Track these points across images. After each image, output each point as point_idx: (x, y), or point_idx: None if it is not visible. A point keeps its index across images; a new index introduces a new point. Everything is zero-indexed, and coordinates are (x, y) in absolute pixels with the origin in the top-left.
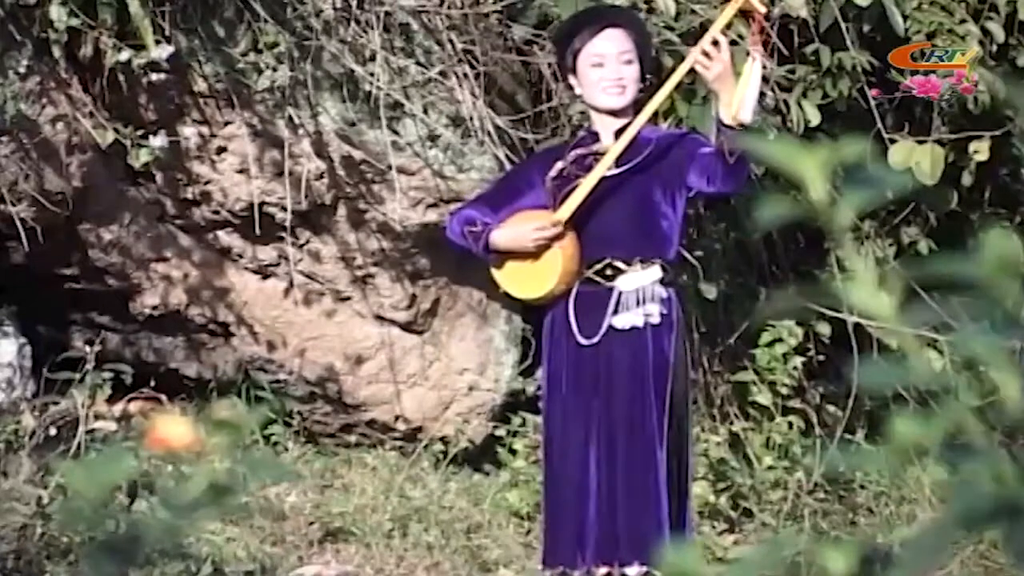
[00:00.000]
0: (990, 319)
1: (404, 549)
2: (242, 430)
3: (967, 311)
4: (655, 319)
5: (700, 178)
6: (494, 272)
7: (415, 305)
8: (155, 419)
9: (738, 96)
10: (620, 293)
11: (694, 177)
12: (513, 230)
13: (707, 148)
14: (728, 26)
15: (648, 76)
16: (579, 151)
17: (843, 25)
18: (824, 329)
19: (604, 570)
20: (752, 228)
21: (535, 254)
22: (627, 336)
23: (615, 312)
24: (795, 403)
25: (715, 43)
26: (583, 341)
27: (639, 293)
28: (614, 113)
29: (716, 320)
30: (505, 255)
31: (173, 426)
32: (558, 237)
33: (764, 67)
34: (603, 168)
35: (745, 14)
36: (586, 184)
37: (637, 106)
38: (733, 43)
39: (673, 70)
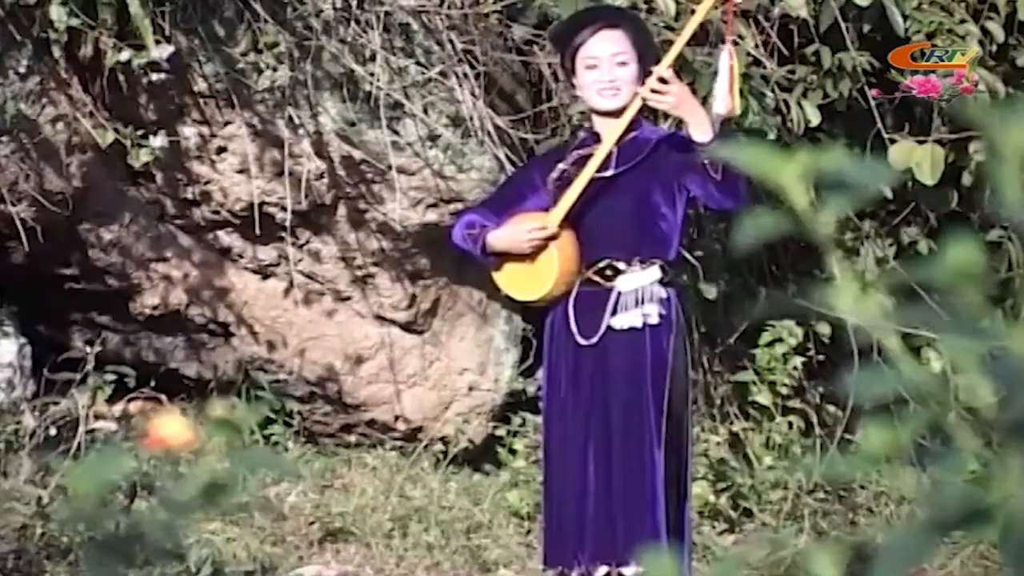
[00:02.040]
0: (959, 324)
1: (404, 549)
2: (240, 429)
3: (962, 312)
4: (653, 320)
5: (699, 191)
6: (493, 275)
7: (415, 305)
8: (153, 419)
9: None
10: (619, 293)
11: (696, 188)
12: (508, 232)
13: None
14: (705, 39)
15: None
16: (580, 152)
17: (843, 25)
18: (824, 329)
19: (603, 570)
20: (743, 241)
21: (532, 256)
22: (625, 336)
23: (614, 312)
24: (795, 403)
25: (662, 80)
26: (582, 341)
27: (638, 293)
28: (612, 114)
29: (716, 320)
30: (503, 257)
31: (171, 425)
32: (554, 238)
33: (760, 64)
34: (592, 169)
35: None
36: (577, 185)
37: (645, 106)
38: (733, 43)
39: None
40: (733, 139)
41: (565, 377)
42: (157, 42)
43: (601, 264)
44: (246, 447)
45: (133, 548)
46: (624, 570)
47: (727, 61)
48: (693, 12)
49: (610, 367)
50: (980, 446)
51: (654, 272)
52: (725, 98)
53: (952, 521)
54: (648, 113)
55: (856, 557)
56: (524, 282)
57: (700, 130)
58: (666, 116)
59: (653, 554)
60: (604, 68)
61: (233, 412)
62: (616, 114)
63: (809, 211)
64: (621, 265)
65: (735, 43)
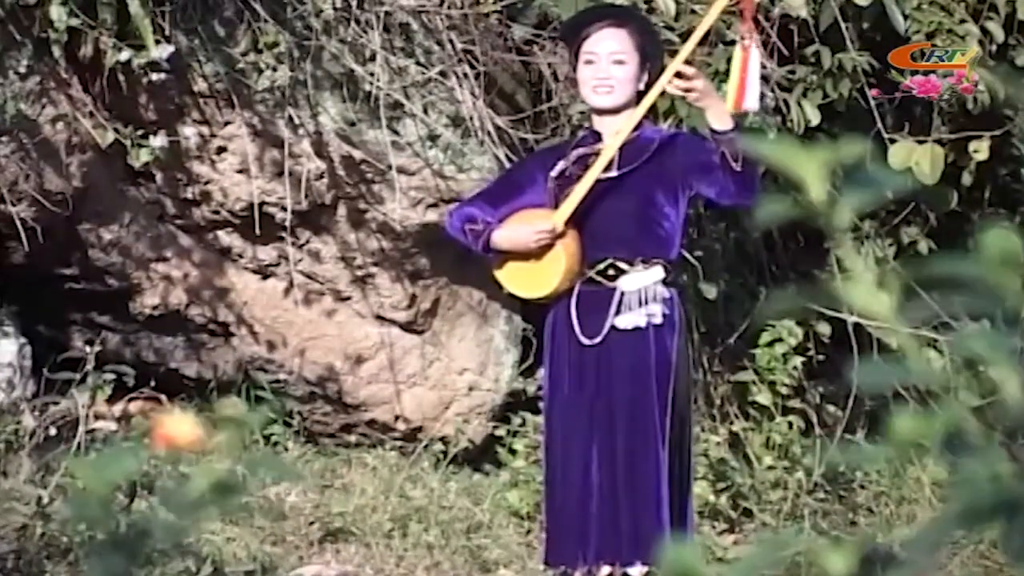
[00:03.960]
0: (990, 318)
1: (404, 549)
2: (246, 427)
3: (967, 310)
4: (657, 319)
5: (711, 188)
6: (496, 273)
7: (415, 305)
8: (160, 417)
9: (732, 84)
10: (623, 293)
11: (705, 186)
12: (514, 231)
13: (712, 155)
14: (704, 39)
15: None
16: (581, 150)
17: (843, 25)
18: (824, 329)
19: (607, 570)
20: (752, 228)
21: (537, 254)
22: (630, 336)
23: (618, 312)
24: (795, 403)
25: (687, 62)
26: (585, 341)
27: (642, 293)
28: (611, 112)
29: (716, 320)
30: (506, 255)
31: (178, 424)
32: (560, 236)
33: (763, 66)
34: (598, 169)
35: (732, 12)
36: (582, 185)
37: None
38: (733, 42)
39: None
40: (744, 132)
41: (568, 377)
42: (157, 42)
43: (603, 264)
44: (246, 447)
45: (135, 548)
46: (630, 570)
47: (757, 58)
48: (693, 12)
49: (614, 367)
50: (997, 440)
51: (657, 272)
52: (756, 94)
53: (980, 516)
54: (648, 113)
55: (862, 558)
56: (528, 280)
57: (720, 120)
58: (666, 116)
59: (673, 552)
60: (600, 64)
61: (239, 412)
62: (613, 112)
63: (827, 203)
64: (624, 265)
65: (738, 41)
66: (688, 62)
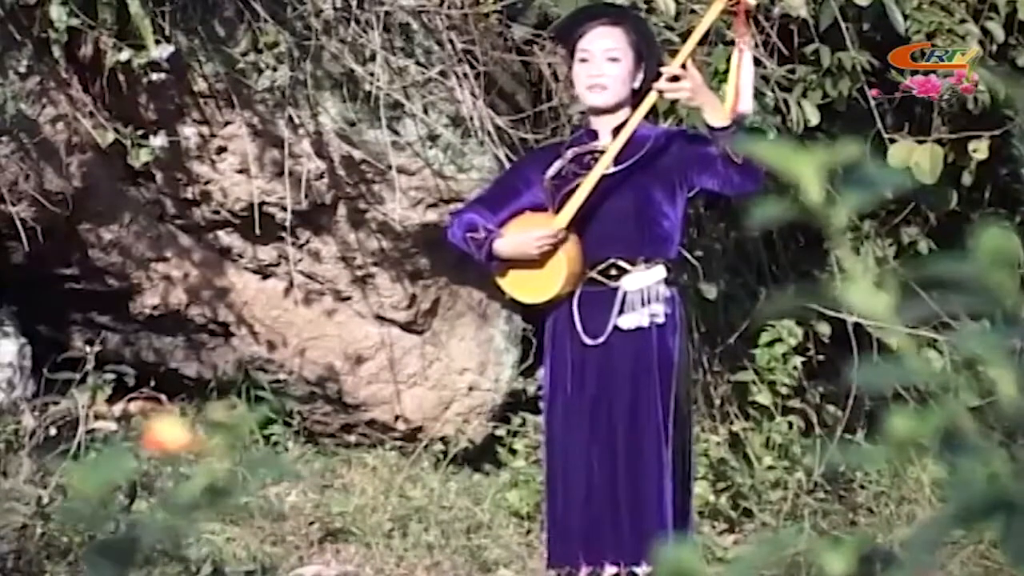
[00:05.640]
0: (990, 318)
1: (404, 549)
2: (238, 431)
3: (967, 310)
4: (660, 319)
5: (712, 180)
6: (498, 280)
7: (415, 305)
8: (151, 421)
9: (730, 88)
10: (625, 293)
11: (707, 179)
12: (516, 238)
13: (711, 148)
14: (704, 39)
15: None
16: (576, 149)
17: (843, 25)
18: (824, 329)
19: (612, 570)
20: (752, 228)
21: (539, 259)
22: (632, 336)
23: (620, 312)
24: (795, 403)
25: (682, 66)
26: (588, 341)
27: (644, 293)
28: (606, 111)
29: (716, 320)
30: (508, 262)
31: (169, 428)
32: (561, 240)
33: (760, 64)
34: (602, 168)
35: (733, 12)
36: (586, 185)
37: (637, 104)
38: (732, 42)
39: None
40: (745, 127)
41: (570, 377)
42: (157, 42)
43: (605, 264)
44: (246, 448)
45: (133, 549)
46: (636, 569)
47: (749, 61)
48: (693, 12)
49: (616, 367)
50: (995, 440)
51: (659, 271)
52: (751, 96)
53: (978, 515)
54: (648, 113)
55: (862, 557)
56: (531, 285)
57: (716, 117)
58: (666, 116)
59: (671, 552)
60: (593, 63)
61: (234, 413)
62: (608, 111)
63: (823, 204)
64: (625, 265)
65: (733, 42)
66: (684, 65)
